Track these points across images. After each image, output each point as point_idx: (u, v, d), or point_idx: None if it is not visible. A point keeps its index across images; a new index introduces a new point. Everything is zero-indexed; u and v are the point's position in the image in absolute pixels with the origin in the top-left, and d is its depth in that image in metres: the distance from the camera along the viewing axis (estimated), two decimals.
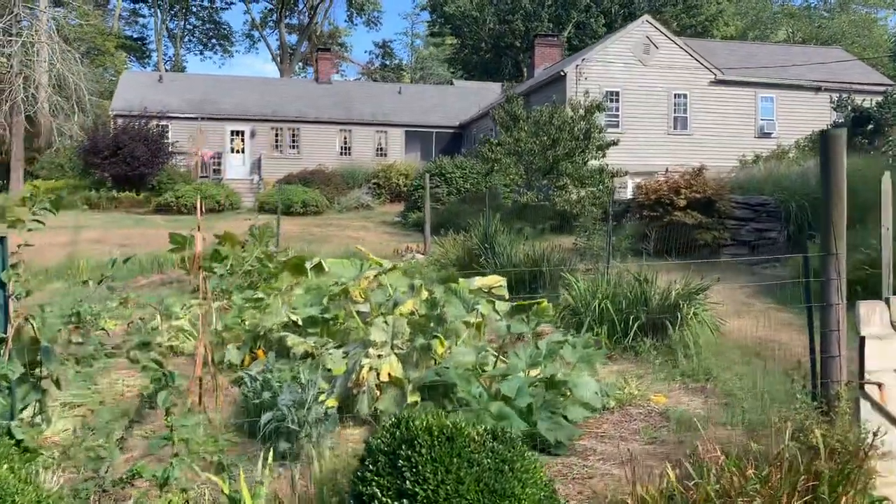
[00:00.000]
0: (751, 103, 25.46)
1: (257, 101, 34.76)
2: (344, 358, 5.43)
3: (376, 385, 5.12)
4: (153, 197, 28.67)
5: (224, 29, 67.55)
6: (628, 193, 21.91)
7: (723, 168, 22.24)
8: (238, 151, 33.47)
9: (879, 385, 3.72)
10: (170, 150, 30.72)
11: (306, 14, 64.67)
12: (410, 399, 4.90)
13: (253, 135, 33.51)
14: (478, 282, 5.91)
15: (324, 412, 4.74)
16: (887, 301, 3.83)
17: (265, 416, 4.66)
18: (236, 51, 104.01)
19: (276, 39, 64.70)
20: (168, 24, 64.88)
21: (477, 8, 55.00)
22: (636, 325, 7.51)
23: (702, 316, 7.47)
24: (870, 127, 21.72)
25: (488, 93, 38.14)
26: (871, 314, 3.77)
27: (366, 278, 6.30)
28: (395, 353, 5.27)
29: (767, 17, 55.75)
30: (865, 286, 9.56)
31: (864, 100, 22.71)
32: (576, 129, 18.83)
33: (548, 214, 19.45)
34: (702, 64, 24.82)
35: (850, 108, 22.16)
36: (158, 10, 62.12)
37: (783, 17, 58.11)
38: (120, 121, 30.73)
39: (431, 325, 5.37)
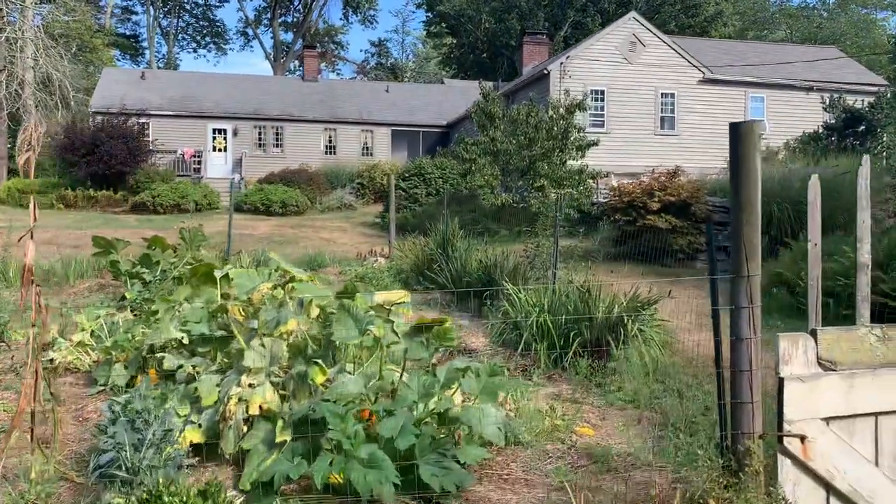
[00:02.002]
0: (740, 103, 24.74)
1: (241, 98, 34.12)
2: (218, 385, 4.75)
3: (245, 419, 4.45)
4: (130, 196, 28.05)
5: (218, 26, 66.95)
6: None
7: (711, 170, 21.57)
8: (220, 150, 32.82)
9: (802, 438, 3.04)
10: (150, 148, 30.08)
11: (301, 12, 64.05)
12: (279, 438, 4.23)
13: (235, 133, 32.87)
14: (378, 297, 5.23)
15: (177, 453, 4.08)
16: (814, 334, 3.14)
17: (102, 458, 4.00)
18: (231, 49, 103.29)
19: (271, 37, 64.06)
20: (161, 22, 64.27)
21: (472, 6, 54.42)
22: (577, 341, 6.84)
23: (648, 332, 6.79)
24: (861, 128, 21.03)
25: (478, 92, 37.44)
26: (794, 350, 3.08)
27: (258, 292, 5.62)
28: (272, 382, 4.60)
29: (765, 18, 55.01)
30: (837, 298, 8.89)
31: (855, 100, 22.01)
32: (554, 128, 18.15)
33: (527, 216, 18.78)
34: (690, 62, 24.10)
35: (841, 108, 21.45)
36: (151, 7, 61.48)
37: (782, 18, 57.37)
38: (99, 118, 30.06)
39: (313, 349, 4.70)
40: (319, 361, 4.48)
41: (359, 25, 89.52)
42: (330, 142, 33.95)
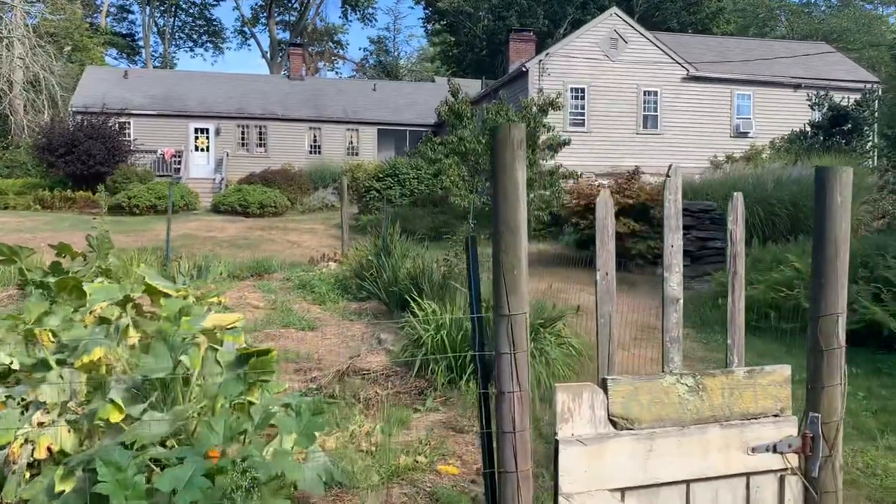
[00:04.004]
0: (726, 101, 24.01)
1: (224, 97, 33.64)
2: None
3: (29, 464, 3.91)
4: (108, 197, 27.65)
5: (215, 25, 66.58)
6: None
7: (696, 169, 20.90)
8: (202, 150, 32.36)
9: None
10: (130, 147, 29.66)
11: (298, 10, 63.63)
12: (58, 487, 3.68)
13: (218, 132, 32.40)
14: (209, 320, 4.69)
15: None
16: (604, 384, 2.57)
17: None
18: (228, 48, 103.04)
19: (269, 36, 63.62)
20: (157, 21, 63.95)
21: (471, 4, 53.86)
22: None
23: (552, 351, 6.21)
24: (848, 126, 20.32)
25: (468, 90, 36.83)
26: (576, 405, 2.51)
27: (91, 312, 5.09)
28: (68, 420, 4.05)
29: (766, 15, 54.13)
30: (779, 310, 8.27)
31: (843, 98, 21.27)
32: (525, 128, 17.51)
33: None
34: (674, 59, 23.41)
35: (827, 106, 20.74)
36: (148, 6, 61.14)
37: (783, 14, 56.44)
38: (79, 118, 29.65)
39: (124, 382, 4.15)
40: (115, 398, 3.93)
41: (358, 23, 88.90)
42: (315, 141, 33.43)
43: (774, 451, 2.70)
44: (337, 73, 68.26)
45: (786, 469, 2.74)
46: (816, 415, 2.72)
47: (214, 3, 65.17)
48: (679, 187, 2.76)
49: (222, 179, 30.32)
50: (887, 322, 6.82)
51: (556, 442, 2.49)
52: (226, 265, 13.16)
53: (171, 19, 64.35)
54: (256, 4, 64.17)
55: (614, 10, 23.65)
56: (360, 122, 33.97)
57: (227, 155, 31.77)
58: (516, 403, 2.42)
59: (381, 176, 22.64)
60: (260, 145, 33.09)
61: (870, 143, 20.52)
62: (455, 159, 17.59)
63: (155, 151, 30.98)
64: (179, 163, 31.07)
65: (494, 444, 2.54)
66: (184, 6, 63.89)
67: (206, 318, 4.61)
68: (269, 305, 10.41)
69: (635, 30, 23.60)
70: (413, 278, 9.15)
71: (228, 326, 4.61)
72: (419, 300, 7.19)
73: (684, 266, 9.70)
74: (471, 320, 2.58)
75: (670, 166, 2.75)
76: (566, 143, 18.03)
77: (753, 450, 2.68)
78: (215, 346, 4.34)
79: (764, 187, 14.92)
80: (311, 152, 33.13)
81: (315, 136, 33.43)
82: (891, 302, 6.99)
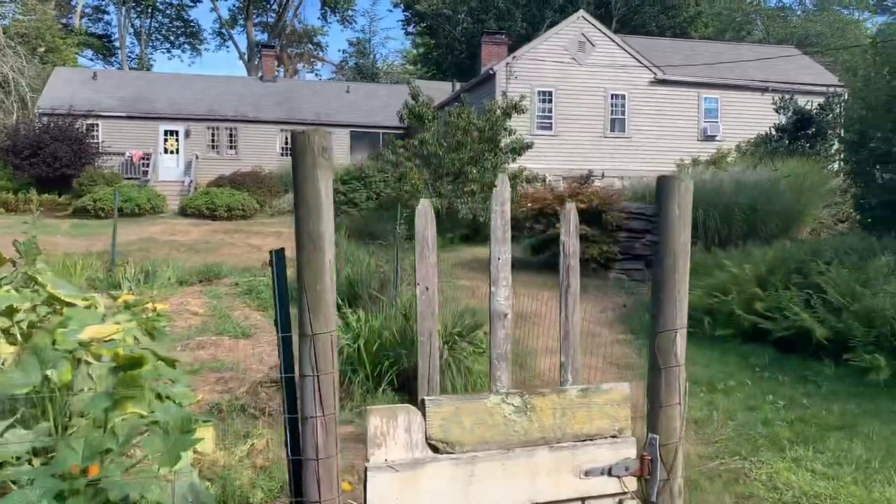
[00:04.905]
0: (694, 104, 24.05)
1: (195, 99, 33.31)
2: None
3: None
4: (74, 200, 27.29)
5: (192, 27, 66.03)
6: None
7: (663, 172, 20.86)
8: (172, 152, 32.01)
9: None
10: (98, 150, 29.29)
11: (276, 12, 63.29)
12: None
13: (188, 134, 32.06)
14: (87, 332, 4.51)
15: None
16: (423, 405, 2.43)
17: None
18: (206, 49, 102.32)
19: (247, 38, 63.18)
20: (133, 22, 63.36)
21: (449, 6, 53.81)
22: (394, 371, 6.15)
23: (468, 362, 6.08)
24: (812, 130, 20.39)
25: (442, 92, 36.74)
26: (391, 428, 2.37)
27: None
28: None
29: (742, 19, 54.47)
30: (714, 316, 8.19)
31: (808, 101, 21.34)
32: (487, 131, 17.43)
33: (464, 223, 18.09)
34: (641, 63, 23.40)
35: (792, 109, 20.80)
36: (123, 7, 60.54)
37: (760, 19, 56.81)
38: (45, 119, 29.24)
39: None
40: None
41: (338, 25, 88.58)
42: (286, 143, 33.15)
43: (610, 474, 2.57)
44: (317, 75, 67.90)
45: (624, 493, 2.61)
46: (655, 436, 2.60)
47: (191, 4, 64.49)
48: (507, 199, 2.63)
49: (191, 182, 30.00)
50: (816, 329, 6.74)
51: (366, 469, 2.34)
52: (174, 270, 12.92)
53: (148, 20, 63.77)
54: (234, 6, 63.77)
55: (581, 13, 23.64)
56: (332, 124, 33.70)
57: (197, 157, 31.45)
58: (319, 429, 2.28)
59: (346, 179, 22.44)
60: (230, 147, 32.79)
61: (834, 147, 20.60)
62: (417, 162, 17.46)
63: (123, 154, 30.61)
64: (148, 165, 30.72)
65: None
66: (160, 7, 63.36)
67: (84, 331, 4.43)
68: (209, 312, 10.21)
69: (603, 33, 23.57)
70: (351, 284, 9.00)
71: (107, 339, 4.43)
72: (343, 307, 7.03)
73: (638, 270, 9.60)
74: (278, 340, 2.42)
75: (506, 176, 2.61)
76: (529, 146, 17.95)
77: (587, 473, 2.55)
78: (89, 361, 4.17)
79: (722, 191, 14.89)
80: (282, 154, 32.87)
81: (286, 139, 33.14)
82: (821, 308, 6.92)
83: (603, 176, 21.71)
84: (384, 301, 7.93)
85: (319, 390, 2.28)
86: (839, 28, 50.10)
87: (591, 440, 2.59)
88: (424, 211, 2.48)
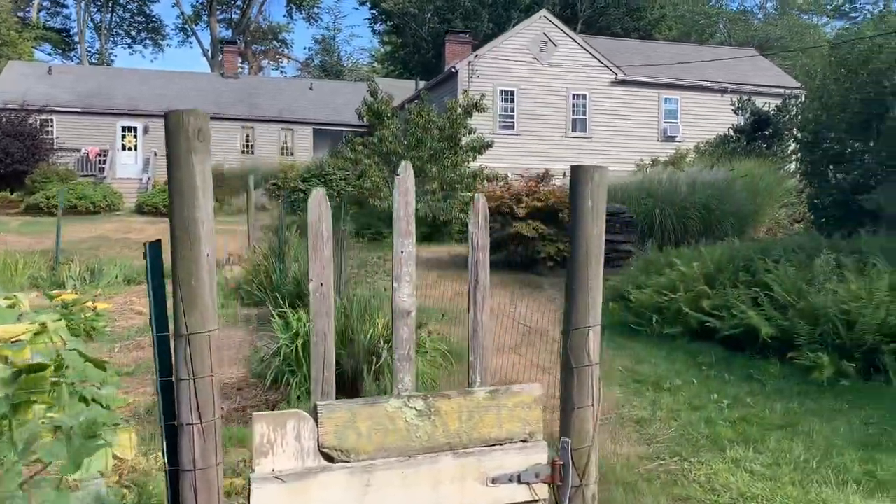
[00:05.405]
0: (654, 105, 24.18)
1: (155, 95, 32.67)
2: None
3: None
4: (26, 197, 26.56)
5: (154, 22, 64.85)
6: None
7: (623, 172, 20.93)
8: (130, 149, 31.36)
9: None
10: (53, 146, 28.57)
11: (240, 8, 62.47)
12: None
13: (146, 131, 31.43)
14: None
15: None
16: (315, 411, 2.26)
17: None
18: (169, 45, 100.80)
19: (210, 34, 62.24)
20: (93, 16, 62.00)
21: (416, 5, 53.60)
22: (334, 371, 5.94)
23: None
24: (769, 131, 20.61)
25: (407, 91, 36.55)
26: (279, 436, 2.20)
27: None
28: None
29: (704, 22, 55.18)
30: (662, 314, 8.14)
31: (765, 103, 21.58)
32: (447, 129, 17.29)
33: (425, 221, 17.92)
34: (602, 63, 23.46)
35: (750, 111, 21.01)
36: (82, 1, 59.21)
37: (723, 22, 57.57)
38: None
39: None
40: None
41: (303, 23, 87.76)
42: (248, 141, 32.71)
43: (519, 481, 2.43)
44: (282, 72, 67.17)
45: (535, 501, 2.47)
46: (568, 440, 2.46)
47: None
48: (411, 188, 2.47)
49: (149, 179, 29.40)
50: (762, 327, 6.71)
51: (249, 480, 2.17)
52: (122, 268, 12.56)
53: (109, 15, 62.46)
54: (198, 2, 62.78)
55: (544, 13, 23.62)
56: (295, 122, 33.37)
57: (156, 154, 30.83)
58: (196, 437, 2.10)
59: (306, 176, 22.16)
60: None
61: (790, 148, 20.87)
62: (376, 160, 17.26)
63: (79, 150, 29.89)
64: (105, 162, 30.04)
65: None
66: (121, 2, 62.12)
67: None
68: None
69: (565, 33, 23.59)
70: (298, 283, 8.78)
71: (13, 340, 4.19)
72: (283, 306, 6.81)
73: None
74: (153, 340, 2.24)
75: (408, 163, 2.46)
76: (489, 144, 17.85)
77: (494, 480, 2.40)
78: None
79: (678, 191, 14.95)
80: (243, 152, 32.39)
81: (248, 136, 32.70)
82: (768, 306, 6.89)
83: (564, 175, 21.70)
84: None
85: (196, 395, 2.10)
86: (798, 32, 50.98)
87: (501, 445, 2.45)
88: (318, 201, 2.32)
